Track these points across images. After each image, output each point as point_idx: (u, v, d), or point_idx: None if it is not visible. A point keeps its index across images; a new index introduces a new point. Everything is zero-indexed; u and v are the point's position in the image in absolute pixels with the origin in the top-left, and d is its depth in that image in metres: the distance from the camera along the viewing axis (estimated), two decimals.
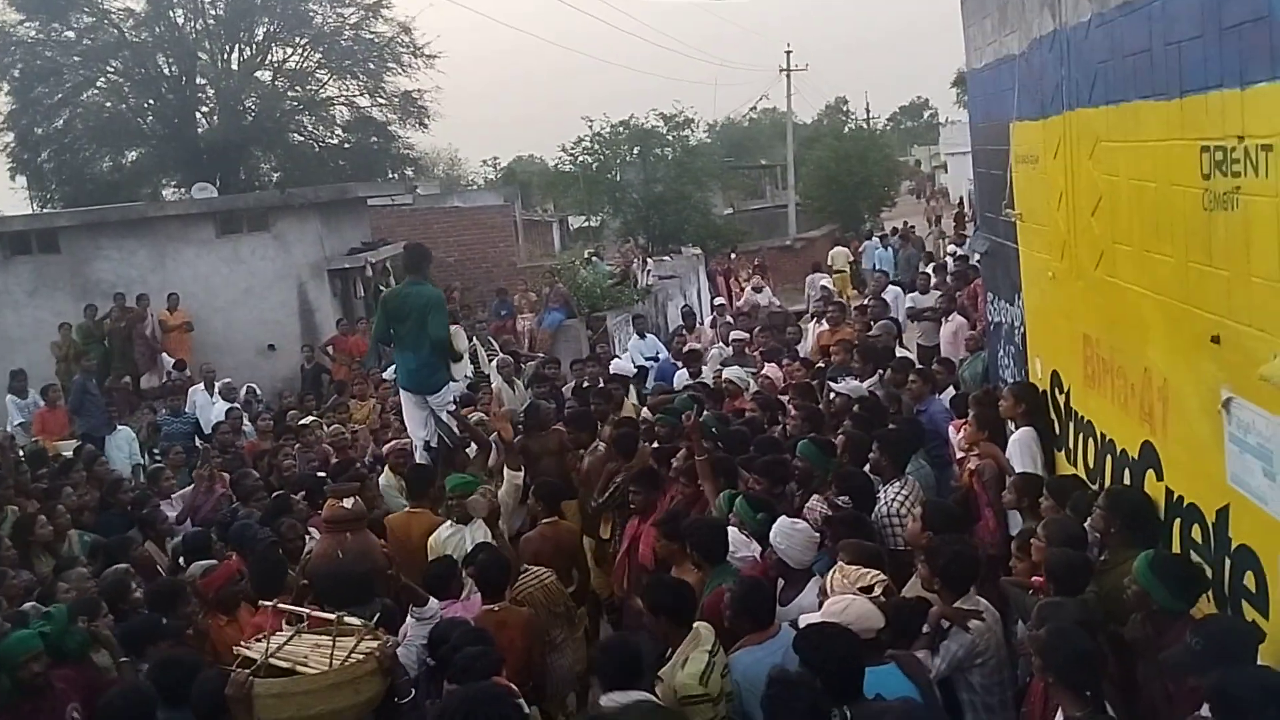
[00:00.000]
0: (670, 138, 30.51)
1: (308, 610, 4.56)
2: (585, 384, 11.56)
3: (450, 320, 9.30)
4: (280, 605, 4.45)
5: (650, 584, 5.25)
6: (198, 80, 29.44)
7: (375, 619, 4.63)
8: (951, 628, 4.76)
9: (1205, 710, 3.51)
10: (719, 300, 20.88)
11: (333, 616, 4.36)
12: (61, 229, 18.46)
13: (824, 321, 12.80)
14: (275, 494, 8.33)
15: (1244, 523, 4.07)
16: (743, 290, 21.73)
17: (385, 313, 8.73)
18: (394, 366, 14.44)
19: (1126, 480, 5.34)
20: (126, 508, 8.87)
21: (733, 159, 46.10)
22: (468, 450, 8.66)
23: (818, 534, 5.63)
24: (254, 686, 4.08)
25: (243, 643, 4.45)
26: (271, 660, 4.18)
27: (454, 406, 8.88)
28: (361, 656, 4.17)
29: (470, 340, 10.34)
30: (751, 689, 4.43)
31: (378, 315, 9.01)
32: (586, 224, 34.33)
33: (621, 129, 29.93)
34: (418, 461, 8.56)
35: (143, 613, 6.05)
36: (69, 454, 10.69)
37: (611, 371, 12.52)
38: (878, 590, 4.85)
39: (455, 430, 8.64)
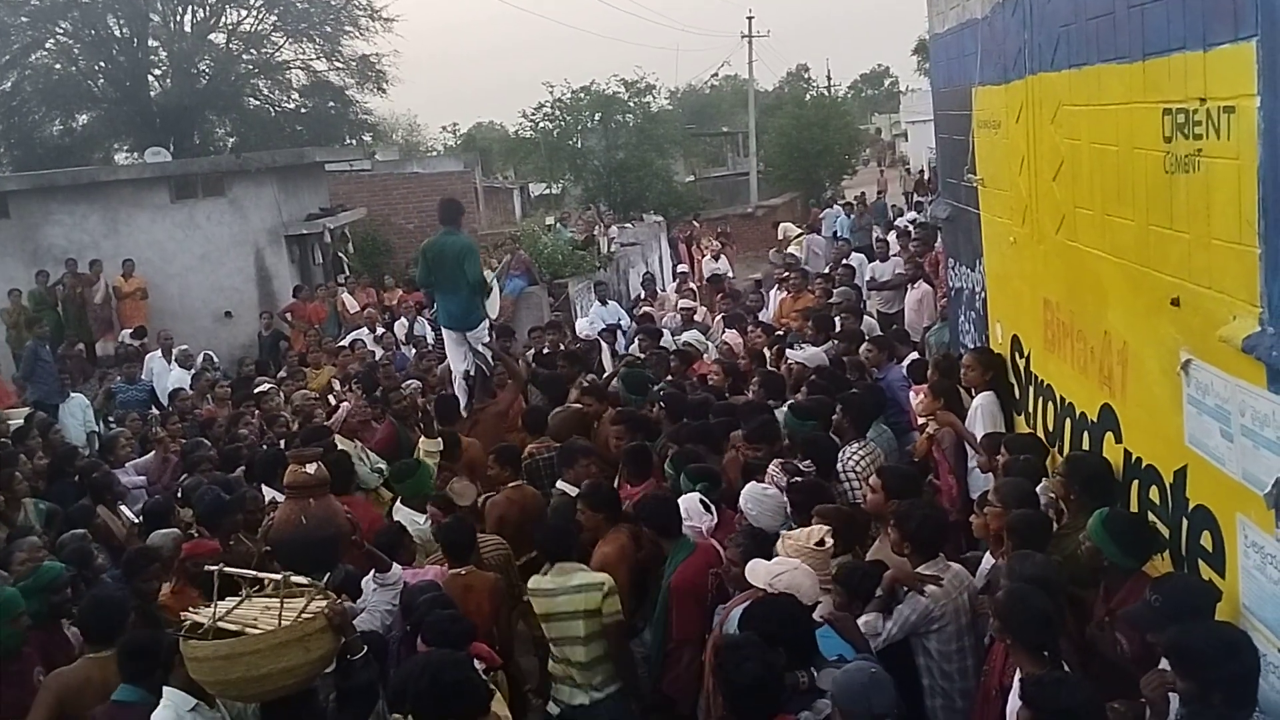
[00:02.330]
0: (632, 104, 30.30)
1: (253, 572, 4.53)
2: (545, 350, 11.56)
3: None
4: (226, 568, 4.41)
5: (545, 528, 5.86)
6: (150, 42, 28.80)
7: (325, 580, 4.59)
8: (909, 592, 4.80)
9: (1164, 665, 3.57)
10: (682, 267, 20.84)
11: (278, 577, 4.32)
12: (10, 193, 18.05)
13: (786, 289, 12.84)
14: (266, 458, 8.22)
15: (1201, 483, 4.12)
16: (705, 257, 21.73)
17: (425, 261, 9.67)
18: (349, 333, 14.55)
19: (1085, 444, 5.41)
20: (76, 476, 8.74)
21: (694, 126, 45.95)
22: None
23: (785, 499, 5.64)
24: (201, 649, 4.05)
25: (190, 609, 4.40)
26: (221, 624, 4.14)
27: (489, 339, 9.90)
28: (311, 615, 4.15)
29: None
30: None
31: (419, 263, 10.07)
32: (548, 191, 34.08)
33: (583, 95, 29.68)
34: (454, 392, 9.62)
35: (106, 580, 6.00)
36: (19, 422, 10.49)
37: (579, 333, 12.61)
38: (828, 541, 4.89)
39: (490, 360, 9.77)
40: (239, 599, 4.33)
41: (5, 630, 5.09)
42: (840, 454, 6.54)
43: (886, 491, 5.60)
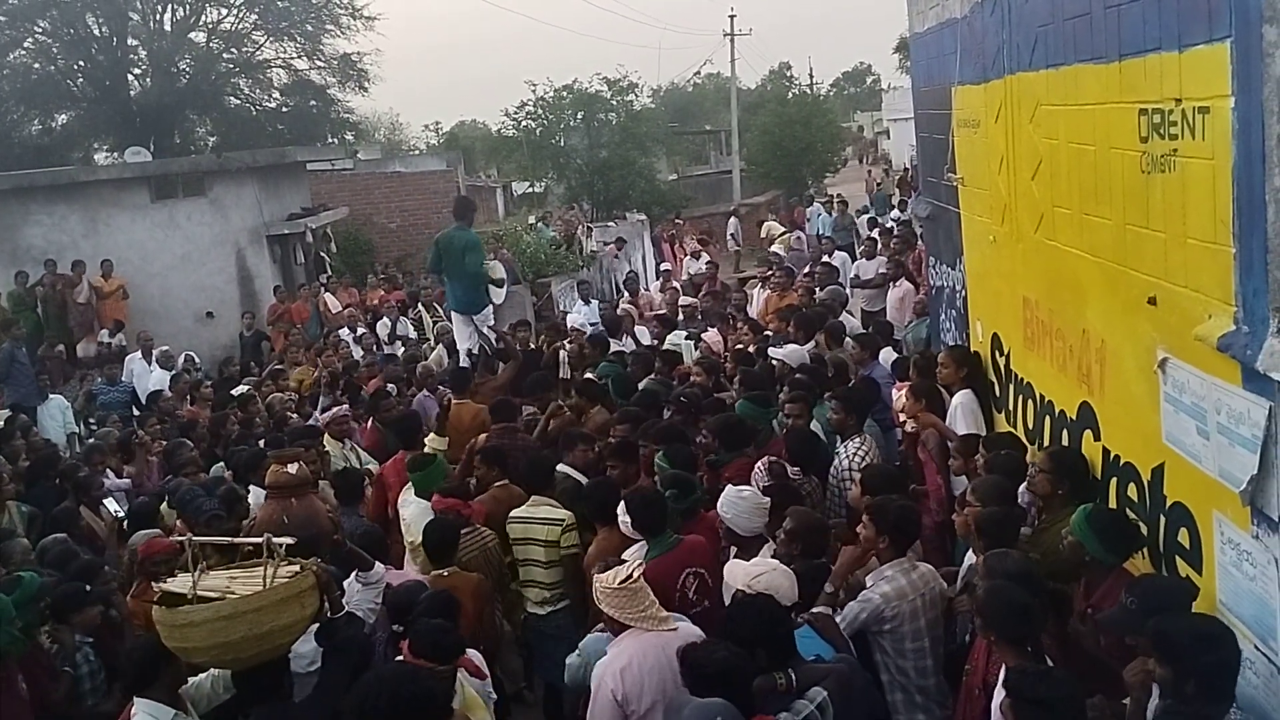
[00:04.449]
0: (614, 102, 30.18)
1: (228, 539, 4.54)
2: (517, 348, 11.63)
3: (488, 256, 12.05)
4: (195, 538, 4.40)
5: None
6: (129, 41, 28.57)
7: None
8: (874, 586, 4.84)
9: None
10: (664, 266, 20.84)
11: (259, 540, 4.29)
12: None
13: (769, 287, 12.85)
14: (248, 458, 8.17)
15: (1178, 480, 4.16)
16: (686, 256, 21.71)
17: (437, 250, 11.06)
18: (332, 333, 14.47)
19: (1065, 441, 5.44)
20: (57, 479, 8.67)
21: (677, 124, 45.84)
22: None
23: (766, 500, 5.63)
24: (199, 613, 3.99)
25: (160, 582, 4.35)
26: (199, 593, 4.10)
27: (493, 321, 11.34)
28: (298, 571, 4.16)
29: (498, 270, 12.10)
30: None
31: (430, 251, 11.43)
32: (530, 189, 33.99)
33: (565, 93, 29.59)
34: (460, 365, 10.87)
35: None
36: None
37: (572, 325, 13.05)
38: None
39: (494, 340, 11.07)
40: (197, 571, 4.27)
41: (6, 634, 5.04)
42: (841, 450, 6.59)
43: (864, 486, 5.65)
